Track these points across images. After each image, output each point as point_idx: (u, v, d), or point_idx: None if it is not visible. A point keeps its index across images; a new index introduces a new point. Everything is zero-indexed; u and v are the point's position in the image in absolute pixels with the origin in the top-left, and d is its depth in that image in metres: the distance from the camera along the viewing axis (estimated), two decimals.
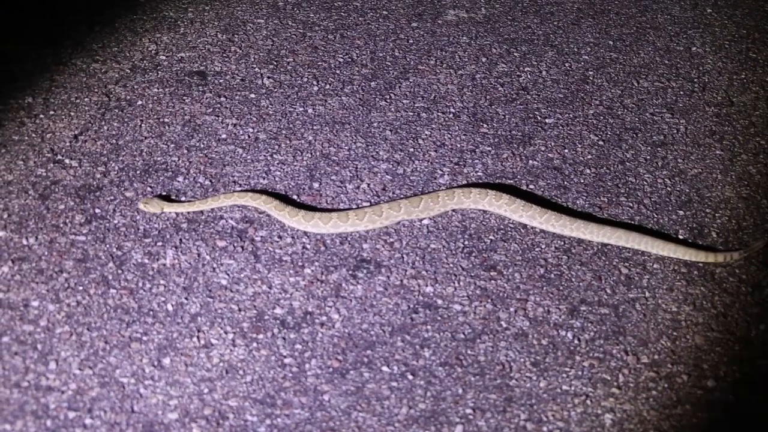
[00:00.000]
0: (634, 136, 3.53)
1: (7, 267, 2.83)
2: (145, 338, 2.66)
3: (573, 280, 2.91)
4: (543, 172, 3.35)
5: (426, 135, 3.50)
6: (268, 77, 3.74)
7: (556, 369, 2.64)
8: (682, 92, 3.77)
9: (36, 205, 3.06)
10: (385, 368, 2.62)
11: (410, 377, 2.60)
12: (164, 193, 3.10)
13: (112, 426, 2.43)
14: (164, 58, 3.81)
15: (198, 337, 2.68)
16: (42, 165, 3.23)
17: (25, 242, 2.93)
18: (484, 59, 3.93)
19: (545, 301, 2.84)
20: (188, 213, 3.03)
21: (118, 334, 2.67)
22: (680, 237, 3.08)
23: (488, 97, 3.72)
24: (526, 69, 3.88)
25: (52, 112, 3.47)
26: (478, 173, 3.33)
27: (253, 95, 3.64)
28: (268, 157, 3.34)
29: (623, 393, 2.57)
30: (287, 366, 2.61)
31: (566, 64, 3.91)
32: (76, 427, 2.42)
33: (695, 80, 3.84)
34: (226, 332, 2.69)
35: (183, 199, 3.12)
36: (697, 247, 2.99)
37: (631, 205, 3.21)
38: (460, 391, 2.57)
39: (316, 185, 3.24)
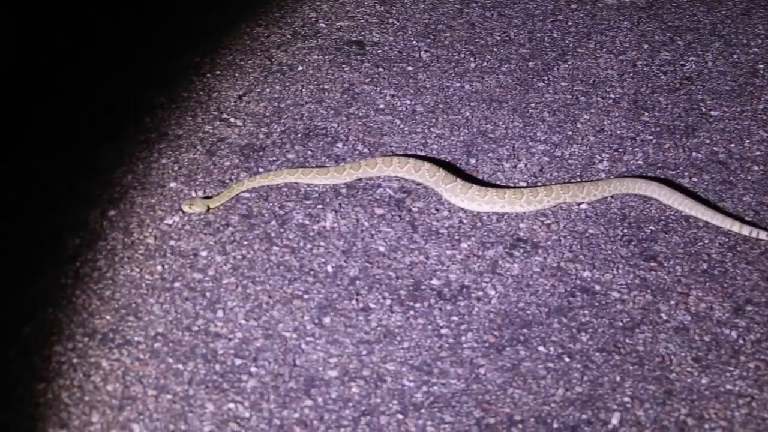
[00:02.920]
0: None
1: (177, 217, 3.00)
2: (306, 296, 2.77)
3: (738, 278, 2.86)
4: (707, 166, 3.28)
5: (585, 119, 3.49)
6: (426, 51, 3.80)
7: (719, 367, 2.60)
8: None
9: (203, 160, 3.22)
10: (541, 348, 2.65)
11: (567, 360, 2.62)
12: (204, 194, 3.05)
13: (276, 377, 2.55)
14: (324, 25, 3.91)
15: (357, 300, 2.77)
16: (209, 122, 3.39)
17: (193, 194, 3.09)
18: (646, 46, 3.87)
19: (708, 297, 2.80)
20: (232, 198, 3.01)
21: (280, 290, 2.79)
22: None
23: (650, 84, 3.66)
24: (690, 58, 3.80)
25: (218, 72, 3.63)
26: (639, 162, 3.30)
27: (410, 68, 3.71)
28: (426, 130, 3.41)
29: None
30: (444, 336, 2.68)
31: (734, 56, 3.81)
32: (242, 374, 2.55)
33: None
34: (384, 298, 2.78)
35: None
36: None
37: None
38: (618, 378, 2.57)
39: (473, 161, 3.28)
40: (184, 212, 2.98)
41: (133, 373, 2.54)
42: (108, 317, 2.68)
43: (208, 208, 2.99)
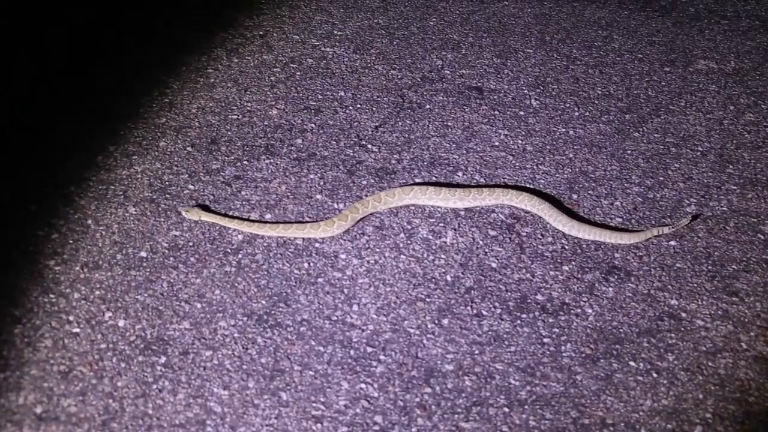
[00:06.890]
0: None
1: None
2: (428, 300, 2.84)
3: None
4: None
5: (675, 167, 3.45)
6: (536, 99, 3.84)
7: None
8: None
9: (344, 178, 3.34)
10: (632, 363, 2.64)
11: (654, 375, 2.60)
12: (202, 203, 3.11)
13: (401, 365, 2.62)
14: (448, 72, 4.01)
15: (471, 307, 2.82)
16: (350, 147, 3.51)
17: (335, 206, 3.20)
18: (731, 107, 3.81)
19: None
20: (219, 225, 3.00)
21: (406, 292, 2.86)
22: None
23: (735, 141, 3.60)
24: None
25: (358, 106, 3.76)
26: (723, 208, 3.25)
27: (522, 112, 3.75)
28: (534, 167, 3.44)
29: None
30: (546, 345, 2.69)
31: None
32: (372, 360, 2.63)
33: None
34: (495, 307, 2.82)
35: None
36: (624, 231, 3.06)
37: None
38: (701, 396, 2.54)
39: (575, 196, 3.29)
40: (180, 214, 3.04)
41: (282, 351, 2.64)
42: (263, 302, 2.80)
43: (200, 218, 3.01)
